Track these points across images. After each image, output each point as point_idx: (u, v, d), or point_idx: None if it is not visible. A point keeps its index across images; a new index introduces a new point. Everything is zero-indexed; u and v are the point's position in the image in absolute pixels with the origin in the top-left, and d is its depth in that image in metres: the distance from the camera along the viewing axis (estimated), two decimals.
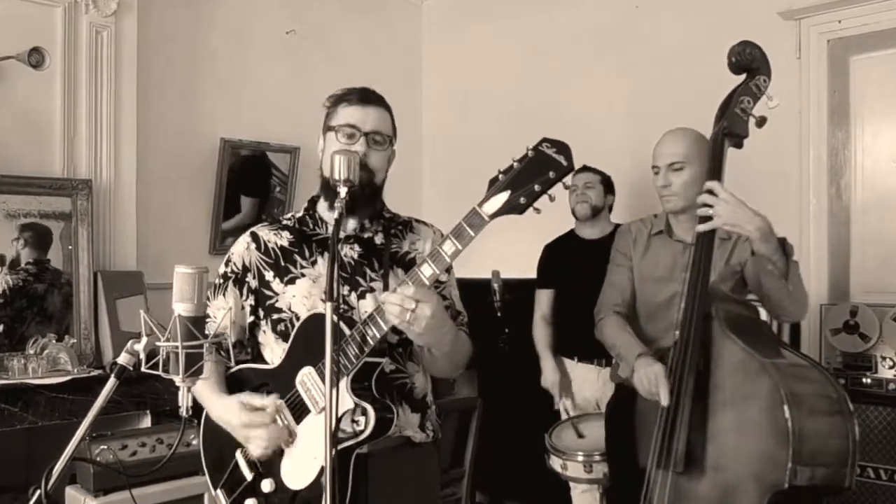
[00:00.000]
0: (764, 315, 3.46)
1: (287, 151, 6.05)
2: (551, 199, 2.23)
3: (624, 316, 3.65)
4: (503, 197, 2.24)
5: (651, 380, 3.17)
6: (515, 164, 2.25)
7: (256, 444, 2.55)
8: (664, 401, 3.07)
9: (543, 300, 5.25)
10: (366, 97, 2.70)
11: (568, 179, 2.24)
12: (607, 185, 5.21)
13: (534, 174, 2.21)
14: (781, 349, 3.10)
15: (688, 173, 3.47)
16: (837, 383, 2.97)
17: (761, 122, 3.15)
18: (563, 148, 2.23)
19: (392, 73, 6.84)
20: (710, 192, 3.11)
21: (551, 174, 2.20)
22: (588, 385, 5.03)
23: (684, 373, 3.03)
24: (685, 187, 3.47)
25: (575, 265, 5.06)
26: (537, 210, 2.24)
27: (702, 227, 3.14)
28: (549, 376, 5.07)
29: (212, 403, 2.70)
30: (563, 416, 4.88)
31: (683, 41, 5.51)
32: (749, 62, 3.19)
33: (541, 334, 5.19)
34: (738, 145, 3.22)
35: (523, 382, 5.31)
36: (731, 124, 3.18)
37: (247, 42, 6.06)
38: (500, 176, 2.26)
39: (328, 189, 2.70)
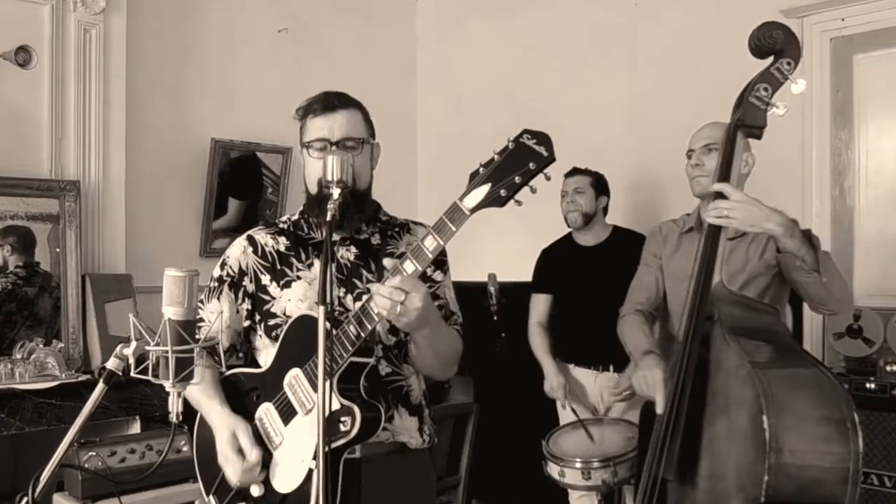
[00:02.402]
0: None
1: (279, 152, 6.05)
2: (532, 190, 2.23)
3: (646, 314, 3.65)
4: (484, 190, 2.25)
5: (650, 384, 3.16)
6: (496, 156, 2.26)
7: (229, 475, 2.61)
8: (659, 408, 3.07)
9: (539, 305, 5.23)
10: (329, 104, 2.69)
11: (549, 171, 2.23)
12: (598, 186, 5.14)
13: (514, 166, 2.22)
14: (789, 354, 3.01)
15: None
16: (846, 393, 2.89)
17: (782, 109, 3.05)
18: (543, 139, 2.23)
19: (386, 72, 6.86)
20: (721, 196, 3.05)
21: (532, 165, 2.21)
22: (585, 390, 5.03)
23: (682, 377, 3.01)
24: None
25: (572, 271, 5.06)
26: (518, 202, 2.24)
27: (716, 222, 3.06)
28: (552, 380, 5.03)
29: (207, 409, 2.72)
30: (569, 418, 4.86)
31: (683, 39, 5.52)
32: (771, 45, 3.09)
33: (538, 341, 5.16)
34: (757, 136, 3.14)
35: (520, 387, 5.32)
36: (746, 115, 3.09)
37: (238, 41, 6.07)
38: (481, 169, 2.27)
39: (314, 204, 2.71)
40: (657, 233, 3.84)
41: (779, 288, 3.52)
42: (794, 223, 3.06)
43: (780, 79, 3.09)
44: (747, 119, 3.10)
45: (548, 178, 2.25)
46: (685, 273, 3.56)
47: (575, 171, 5.12)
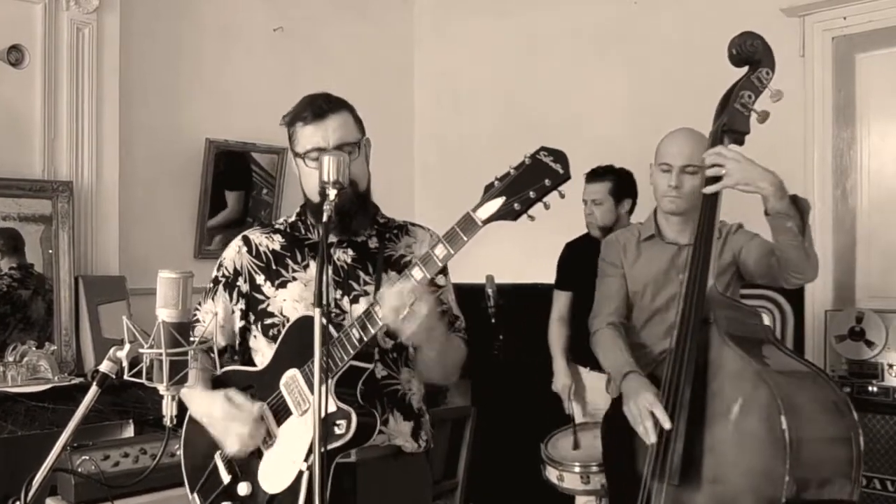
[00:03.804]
0: (767, 320, 3.44)
1: (274, 152, 6.05)
2: (546, 206, 2.27)
3: (617, 327, 3.63)
4: (498, 203, 2.28)
5: (643, 412, 3.12)
6: (512, 171, 2.29)
7: (233, 440, 2.58)
8: (665, 425, 3.02)
9: (561, 301, 5.21)
10: (319, 110, 2.68)
11: (564, 188, 2.27)
12: (619, 191, 5.03)
13: (529, 181, 2.26)
14: (783, 356, 3.09)
15: (700, 178, 3.37)
16: (841, 391, 2.95)
17: (763, 117, 3.09)
18: (560, 157, 2.27)
19: (383, 72, 6.85)
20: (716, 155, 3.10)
21: (547, 182, 2.25)
22: (600, 394, 5.02)
23: (680, 382, 3.02)
24: (694, 192, 3.40)
25: (590, 270, 5.02)
26: (531, 217, 2.28)
27: (710, 189, 3.13)
28: (560, 379, 5.06)
29: (194, 398, 2.71)
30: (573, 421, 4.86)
31: (683, 38, 5.53)
32: (751, 54, 3.15)
33: (555, 336, 5.18)
34: (739, 142, 3.17)
35: (518, 390, 5.32)
36: (732, 120, 3.15)
37: (233, 39, 6.07)
38: (496, 182, 2.31)
39: (316, 212, 2.70)
40: (614, 242, 3.79)
41: (735, 286, 3.57)
42: (784, 186, 3.05)
43: (759, 87, 3.16)
44: (734, 125, 3.16)
45: (562, 196, 2.29)
46: (649, 280, 3.60)
47: (594, 177, 5.04)
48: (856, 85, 4.99)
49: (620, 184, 5.07)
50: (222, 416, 2.60)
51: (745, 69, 3.20)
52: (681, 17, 5.59)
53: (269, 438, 2.61)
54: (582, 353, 5.06)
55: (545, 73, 6.30)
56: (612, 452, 3.72)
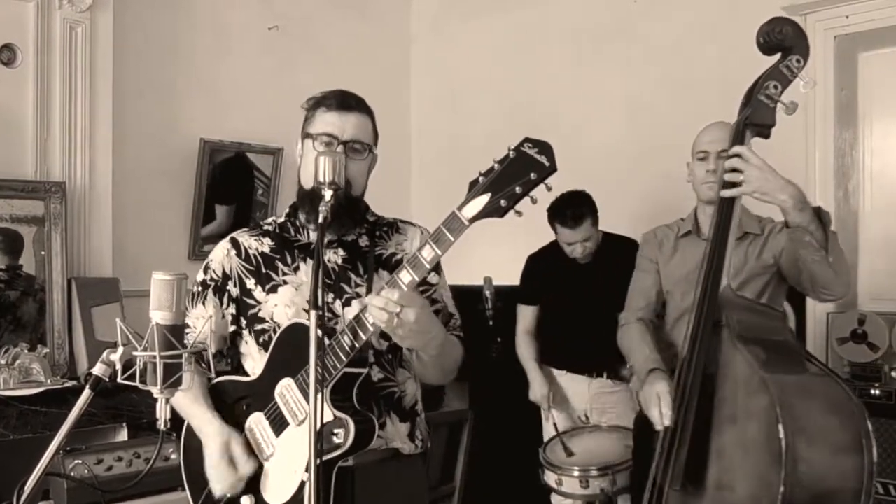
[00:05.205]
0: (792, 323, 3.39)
1: (270, 153, 6.05)
2: (533, 201, 2.23)
3: (647, 322, 3.64)
4: (483, 200, 2.24)
5: (652, 399, 3.15)
6: (496, 165, 2.25)
7: (215, 486, 2.63)
8: (665, 421, 3.06)
9: (527, 315, 5.22)
10: (345, 103, 2.70)
11: (550, 181, 2.23)
12: (596, 218, 4.90)
13: (515, 176, 2.21)
14: (799, 360, 3.04)
15: None
16: (856, 397, 2.91)
17: (792, 108, 3.02)
18: (545, 148, 2.22)
19: (379, 70, 6.84)
20: (738, 156, 3.04)
21: (533, 175, 2.20)
22: (576, 397, 5.03)
23: (688, 385, 3.01)
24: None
25: (563, 280, 5.00)
26: (518, 213, 2.24)
27: (727, 193, 3.09)
28: (537, 389, 5.07)
29: (196, 417, 2.72)
30: (552, 431, 4.83)
31: (682, 38, 5.52)
32: (780, 42, 3.07)
33: (524, 348, 5.20)
34: (764, 135, 3.12)
35: (516, 393, 5.31)
36: (756, 113, 3.08)
37: (228, 38, 6.06)
38: (481, 178, 2.27)
39: (306, 200, 2.72)
40: (652, 238, 3.81)
41: (776, 289, 3.53)
42: (805, 199, 3.02)
43: (789, 76, 3.07)
44: (756, 117, 3.09)
45: (549, 189, 2.24)
46: (683, 277, 3.58)
47: (575, 222, 4.83)
48: (858, 84, 4.99)
49: (594, 212, 4.92)
50: (211, 463, 2.63)
51: (778, 56, 3.12)
52: (681, 17, 5.58)
53: (268, 449, 2.61)
54: (554, 356, 5.09)
55: (543, 72, 6.30)
56: (638, 454, 3.72)
